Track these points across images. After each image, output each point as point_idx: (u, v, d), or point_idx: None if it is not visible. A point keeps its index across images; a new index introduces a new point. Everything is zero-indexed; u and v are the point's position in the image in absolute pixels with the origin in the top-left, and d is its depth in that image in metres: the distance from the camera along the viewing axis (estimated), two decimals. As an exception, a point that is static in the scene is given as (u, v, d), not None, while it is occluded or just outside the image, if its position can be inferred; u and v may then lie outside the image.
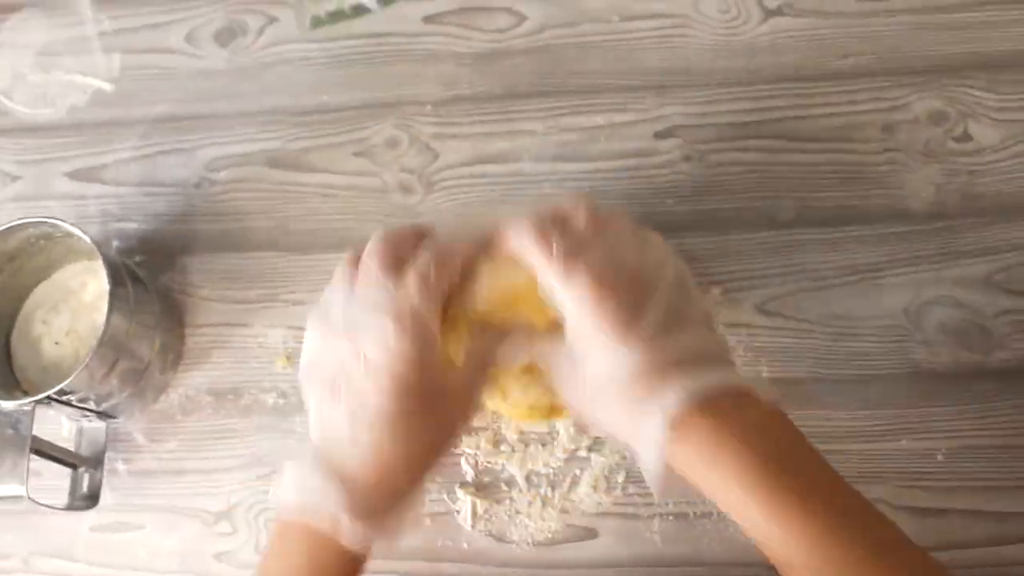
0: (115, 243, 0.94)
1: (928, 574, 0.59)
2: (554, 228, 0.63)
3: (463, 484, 0.84)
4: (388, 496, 0.63)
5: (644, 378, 0.60)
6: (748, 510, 0.58)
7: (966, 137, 0.89)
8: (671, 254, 0.68)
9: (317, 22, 0.99)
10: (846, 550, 0.57)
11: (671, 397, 0.59)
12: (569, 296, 0.61)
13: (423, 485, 0.65)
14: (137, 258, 0.93)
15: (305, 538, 0.63)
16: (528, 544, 0.83)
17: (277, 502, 0.64)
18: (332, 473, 0.62)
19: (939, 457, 0.81)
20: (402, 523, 0.64)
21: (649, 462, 0.60)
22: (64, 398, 0.80)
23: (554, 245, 0.62)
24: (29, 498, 0.77)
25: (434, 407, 0.64)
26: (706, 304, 0.70)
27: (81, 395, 0.82)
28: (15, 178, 0.97)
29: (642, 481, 0.81)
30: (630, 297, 0.61)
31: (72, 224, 0.81)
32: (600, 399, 0.63)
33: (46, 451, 0.82)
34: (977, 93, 0.90)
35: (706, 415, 0.59)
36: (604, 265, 0.62)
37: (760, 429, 0.60)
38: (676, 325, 0.62)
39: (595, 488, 0.83)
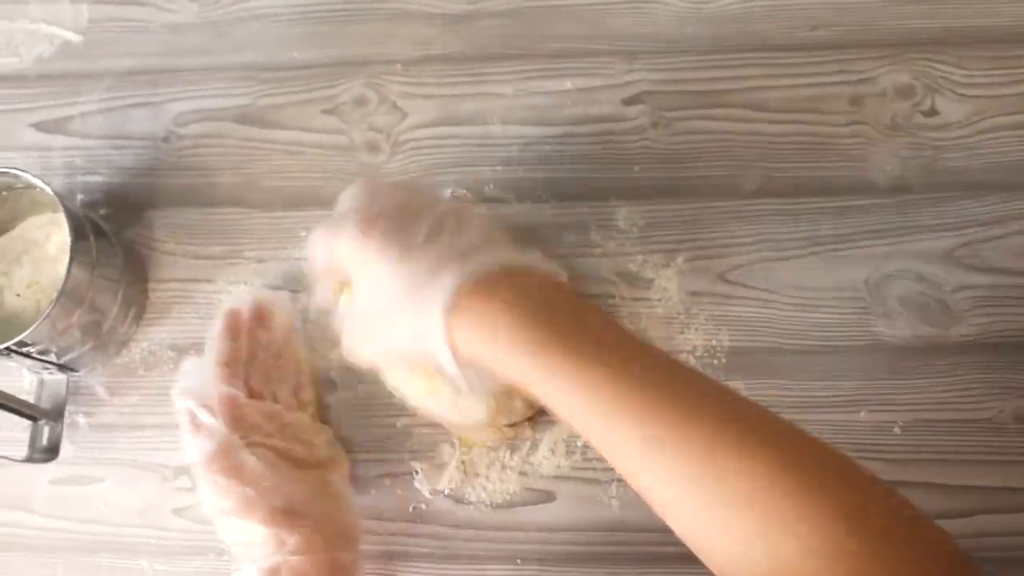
0: (80, 196, 0.93)
1: (707, 396, 0.59)
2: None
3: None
4: None
5: (424, 278, 0.61)
6: (522, 365, 0.58)
7: (933, 112, 0.89)
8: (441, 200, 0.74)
9: (289, -22, 0.98)
10: (615, 384, 0.57)
11: (446, 280, 0.60)
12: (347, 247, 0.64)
13: None
14: (102, 211, 0.92)
15: None
16: (486, 506, 0.83)
17: None
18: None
19: (896, 430, 0.82)
20: None
21: (438, 352, 0.61)
22: (24, 349, 0.80)
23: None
24: (-13, 449, 0.77)
25: None
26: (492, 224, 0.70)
27: (42, 347, 0.82)
28: (-21, 128, 0.97)
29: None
30: (398, 233, 0.63)
31: (34, 176, 0.80)
32: (388, 323, 0.64)
33: (5, 403, 0.81)
34: (945, 68, 0.90)
35: (481, 291, 0.60)
36: (367, 218, 0.64)
37: (530, 290, 0.61)
38: (451, 235, 0.64)
39: (554, 452, 0.83)
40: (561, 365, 0.57)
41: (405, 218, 0.65)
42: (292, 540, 0.73)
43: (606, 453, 0.59)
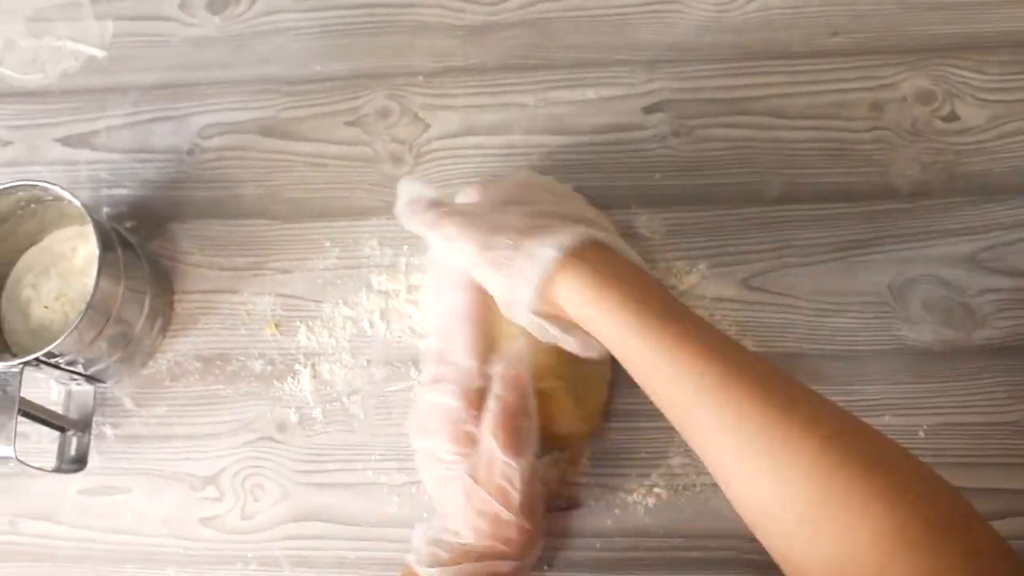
0: (106, 209, 0.94)
1: (783, 389, 0.61)
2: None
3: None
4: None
5: (528, 234, 0.69)
6: (624, 334, 0.65)
7: (953, 117, 0.89)
8: (535, 175, 0.84)
9: (310, -8, 0.99)
10: (707, 362, 0.62)
11: (555, 241, 0.67)
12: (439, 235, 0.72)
13: None
14: (127, 224, 0.93)
15: None
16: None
17: (408, 556, 0.74)
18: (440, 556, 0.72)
19: (921, 434, 0.82)
20: None
21: (524, 299, 0.68)
22: (52, 361, 0.81)
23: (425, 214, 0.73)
24: (17, 459, 0.78)
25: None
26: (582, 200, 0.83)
27: (70, 358, 0.82)
28: (6, 143, 0.97)
29: (625, 452, 0.82)
30: (494, 215, 0.72)
31: (63, 188, 0.81)
32: (479, 270, 0.72)
33: (34, 413, 0.82)
34: (965, 73, 0.91)
35: (584, 260, 0.67)
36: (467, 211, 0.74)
37: (631, 275, 0.68)
38: (550, 210, 0.74)
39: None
40: (655, 337, 0.64)
41: (500, 209, 0.74)
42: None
43: (678, 412, 0.64)
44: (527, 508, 0.72)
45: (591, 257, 0.68)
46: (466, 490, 0.72)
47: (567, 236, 0.68)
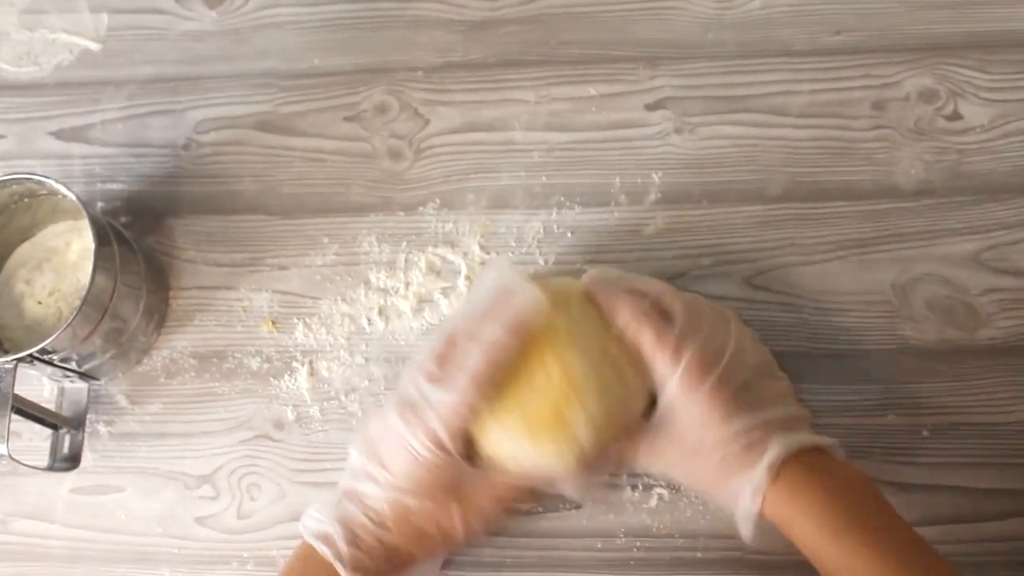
0: (100, 204, 0.93)
1: None
2: (656, 316, 0.73)
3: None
4: (388, 563, 0.72)
5: (744, 438, 0.70)
6: (829, 554, 0.66)
7: (956, 116, 0.89)
8: (750, 336, 0.79)
9: (308, -14, 0.99)
10: None
11: (773, 452, 0.68)
12: (677, 377, 0.71)
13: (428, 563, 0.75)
14: (123, 219, 0.92)
15: (317, 564, 0.71)
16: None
17: (302, 526, 0.73)
18: (345, 525, 0.71)
19: (925, 433, 0.82)
20: None
21: (744, 507, 0.69)
22: (46, 357, 0.80)
23: (664, 335, 0.72)
24: (10, 457, 0.77)
25: (448, 505, 0.72)
26: (782, 378, 0.79)
27: (63, 355, 0.81)
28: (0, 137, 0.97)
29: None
30: (726, 375, 0.71)
31: (57, 181, 0.80)
32: (694, 459, 0.72)
33: (27, 411, 0.81)
34: (968, 72, 0.90)
35: (800, 468, 0.69)
36: (703, 351, 0.71)
37: (846, 485, 0.69)
38: (767, 395, 0.74)
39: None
40: (858, 551, 0.65)
41: (731, 367, 0.72)
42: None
43: None
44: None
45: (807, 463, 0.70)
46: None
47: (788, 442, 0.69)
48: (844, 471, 0.70)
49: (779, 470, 0.68)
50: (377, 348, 0.87)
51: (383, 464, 0.72)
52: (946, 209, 0.87)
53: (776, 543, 0.70)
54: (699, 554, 0.81)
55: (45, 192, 0.83)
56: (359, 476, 0.73)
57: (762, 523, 0.70)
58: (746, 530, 0.70)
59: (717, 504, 0.74)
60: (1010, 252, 0.85)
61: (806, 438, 0.70)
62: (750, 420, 0.70)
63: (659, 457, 0.74)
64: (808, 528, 0.67)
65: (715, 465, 0.70)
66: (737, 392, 0.71)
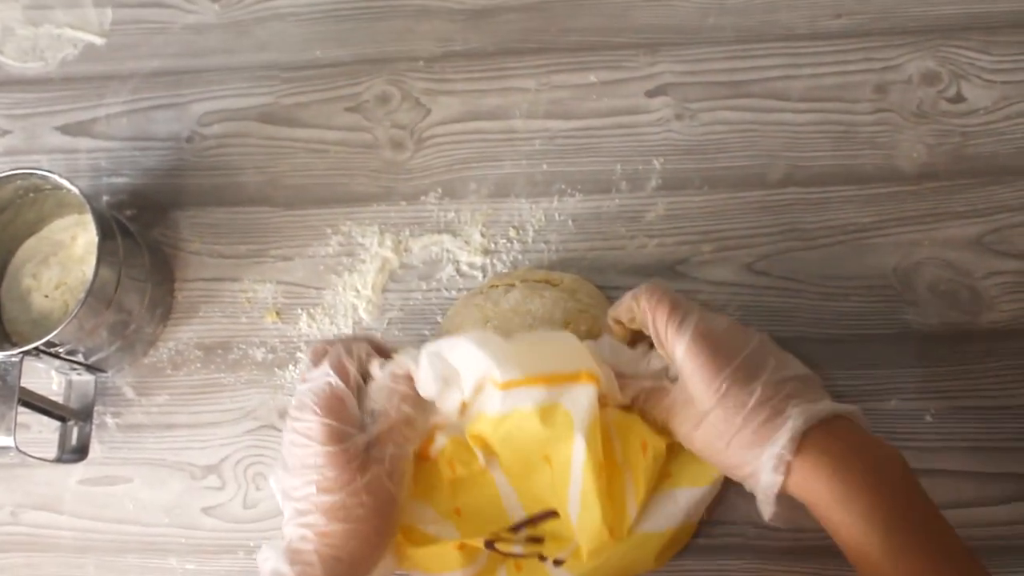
0: (105, 198, 0.93)
1: None
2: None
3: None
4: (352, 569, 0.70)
5: (763, 410, 0.67)
6: (873, 548, 0.62)
7: (959, 98, 0.89)
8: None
9: (309, -23, 0.99)
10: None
11: (795, 421, 0.65)
12: (687, 353, 0.69)
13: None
14: (127, 212, 0.93)
15: None
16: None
17: (259, 569, 0.70)
18: (293, 556, 0.69)
19: (928, 418, 0.81)
20: None
21: (766, 481, 0.66)
22: (52, 350, 0.80)
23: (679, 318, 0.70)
24: (18, 449, 0.77)
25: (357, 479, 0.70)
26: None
27: (70, 347, 0.82)
28: (4, 132, 0.97)
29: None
30: (734, 352, 0.69)
31: (61, 176, 0.81)
32: (716, 433, 0.68)
33: (35, 403, 0.82)
34: (971, 54, 0.90)
35: (828, 440, 0.65)
36: (708, 331, 0.70)
37: (885, 470, 0.65)
38: (776, 362, 0.70)
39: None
40: (895, 550, 0.62)
41: (737, 348, 0.70)
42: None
43: None
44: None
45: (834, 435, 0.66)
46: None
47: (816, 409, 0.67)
48: (875, 450, 0.66)
49: (802, 441, 0.65)
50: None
51: (293, 475, 0.71)
52: (949, 192, 0.86)
53: (797, 520, 0.68)
54: (702, 540, 0.81)
55: (50, 187, 0.84)
56: (285, 501, 0.72)
57: (784, 499, 0.67)
58: (767, 508, 0.67)
59: (736, 479, 0.70)
60: (1013, 235, 0.85)
61: (829, 406, 0.67)
62: (765, 379, 0.68)
63: (680, 429, 0.72)
64: (846, 519, 0.63)
65: (735, 439, 0.68)
66: (745, 359, 0.69)
